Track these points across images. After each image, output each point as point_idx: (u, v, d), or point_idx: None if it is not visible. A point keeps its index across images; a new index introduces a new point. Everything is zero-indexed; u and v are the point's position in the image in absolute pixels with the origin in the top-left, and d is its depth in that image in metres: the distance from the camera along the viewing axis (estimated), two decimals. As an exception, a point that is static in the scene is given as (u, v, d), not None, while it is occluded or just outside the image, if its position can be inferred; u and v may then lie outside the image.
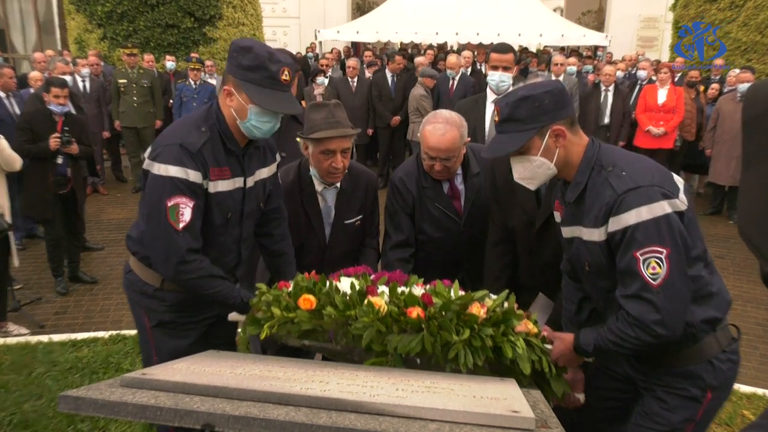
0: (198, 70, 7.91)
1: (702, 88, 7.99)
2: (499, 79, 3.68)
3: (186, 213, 1.94)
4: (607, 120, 7.40)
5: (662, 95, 7.19)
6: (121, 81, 7.73)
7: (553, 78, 7.51)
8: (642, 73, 7.99)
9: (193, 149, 1.96)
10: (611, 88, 7.37)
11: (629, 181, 1.70)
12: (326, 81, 8.36)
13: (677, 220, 1.68)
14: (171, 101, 8.35)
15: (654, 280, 1.65)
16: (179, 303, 2.13)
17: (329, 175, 2.47)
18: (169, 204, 1.93)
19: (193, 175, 1.95)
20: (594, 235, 1.78)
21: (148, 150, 2.05)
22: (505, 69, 3.65)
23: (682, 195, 1.73)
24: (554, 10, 18.43)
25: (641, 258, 1.65)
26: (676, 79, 8.02)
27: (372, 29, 12.12)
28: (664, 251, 1.64)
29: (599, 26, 18.03)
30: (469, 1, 12.04)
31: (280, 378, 1.51)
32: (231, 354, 1.95)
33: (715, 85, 7.88)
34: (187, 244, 1.96)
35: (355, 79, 8.16)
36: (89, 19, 10.29)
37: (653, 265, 1.65)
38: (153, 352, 2.20)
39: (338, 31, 12.42)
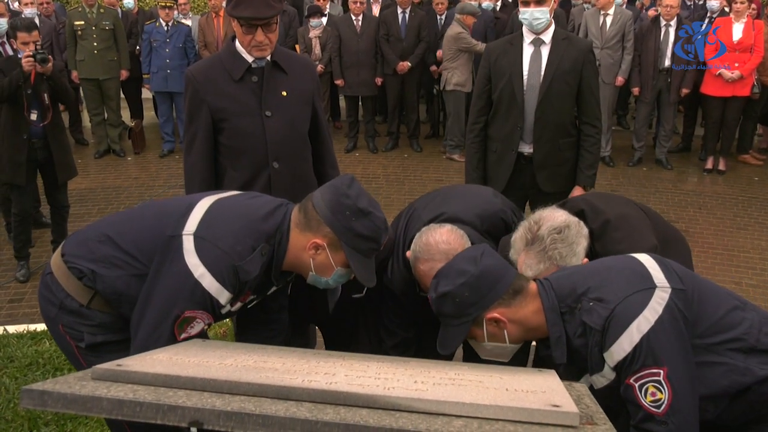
0: (170, 8, 7.87)
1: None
2: (532, 17, 3.63)
3: (196, 328, 1.96)
4: (668, 62, 7.30)
5: (738, 30, 7.08)
6: (77, 23, 7.71)
7: (601, 14, 7.41)
8: (713, 4, 7.84)
9: (243, 278, 1.97)
10: (673, 23, 7.24)
11: (601, 309, 1.77)
12: (324, 22, 8.29)
13: (669, 317, 1.72)
14: (138, 47, 8.34)
15: (658, 407, 1.70)
16: (109, 324, 2.08)
17: None
18: (186, 315, 1.92)
19: (226, 299, 1.97)
20: (603, 380, 1.85)
21: (195, 221, 1.98)
22: (538, 3, 3.59)
23: (659, 277, 1.79)
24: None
25: (636, 385, 1.72)
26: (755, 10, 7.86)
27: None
28: (661, 372, 1.69)
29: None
30: None
31: (278, 369, 1.55)
32: (219, 343, 1.99)
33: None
34: None
35: (360, 17, 8.08)
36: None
37: (652, 391, 1.70)
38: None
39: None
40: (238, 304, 2.10)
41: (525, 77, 3.73)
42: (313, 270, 2.08)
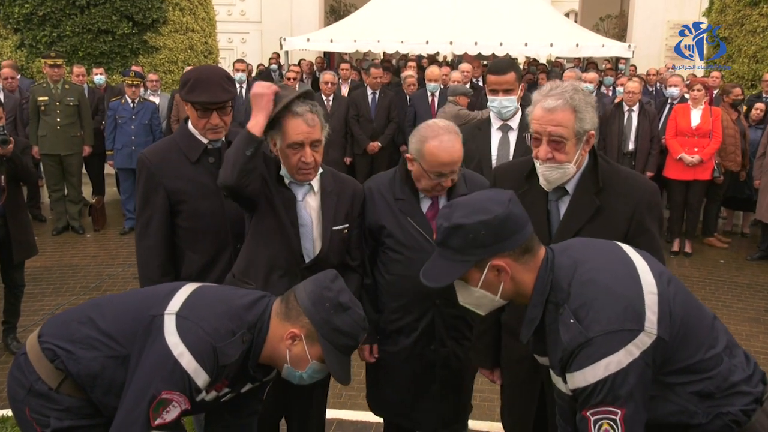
0: (137, 86, 8.00)
1: (745, 108, 8.29)
2: (501, 105, 3.79)
3: (172, 413, 1.94)
4: (632, 146, 7.60)
5: (696, 117, 7.42)
6: (41, 99, 7.78)
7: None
8: (673, 91, 8.23)
9: (222, 362, 2.00)
10: (636, 108, 7.59)
11: (578, 334, 1.75)
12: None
13: (642, 363, 1.72)
14: (103, 123, 8.41)
15: None
16: (77, 409, 2.06)
17: (299, 173, 2.64)
18: (162, 396, 1.91)
19: (203, 382, 1.98)
20: (560, 384, 1.89)
21: (178, 302, 2.05)
22: (506, 92, 3.75)
23: (652, 320, 1.74)
24: (566, 15, 19.05)
25: (592, 419, 1.75)
26: (713, 97, 8.28)
27: (349, 37, 12.37)
28: (619, 412, 1.72)
29: (620, 34, 18.65)
30: (465, 3, 12.38)
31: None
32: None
33: (760, 105, 8.15)
34: None
35: (331, 98, 8.31)
36: (3, 23, 10.42)
37: (606, 428, 1.73)
38: None
39: (308, 39, 12.66)
40: (213, 393, 2.08)
41: (493, 162, 3.86)
42: (288, 362, 2.09)
